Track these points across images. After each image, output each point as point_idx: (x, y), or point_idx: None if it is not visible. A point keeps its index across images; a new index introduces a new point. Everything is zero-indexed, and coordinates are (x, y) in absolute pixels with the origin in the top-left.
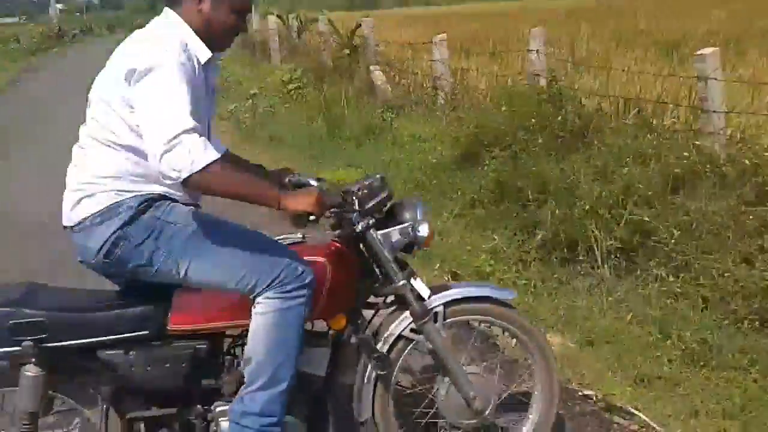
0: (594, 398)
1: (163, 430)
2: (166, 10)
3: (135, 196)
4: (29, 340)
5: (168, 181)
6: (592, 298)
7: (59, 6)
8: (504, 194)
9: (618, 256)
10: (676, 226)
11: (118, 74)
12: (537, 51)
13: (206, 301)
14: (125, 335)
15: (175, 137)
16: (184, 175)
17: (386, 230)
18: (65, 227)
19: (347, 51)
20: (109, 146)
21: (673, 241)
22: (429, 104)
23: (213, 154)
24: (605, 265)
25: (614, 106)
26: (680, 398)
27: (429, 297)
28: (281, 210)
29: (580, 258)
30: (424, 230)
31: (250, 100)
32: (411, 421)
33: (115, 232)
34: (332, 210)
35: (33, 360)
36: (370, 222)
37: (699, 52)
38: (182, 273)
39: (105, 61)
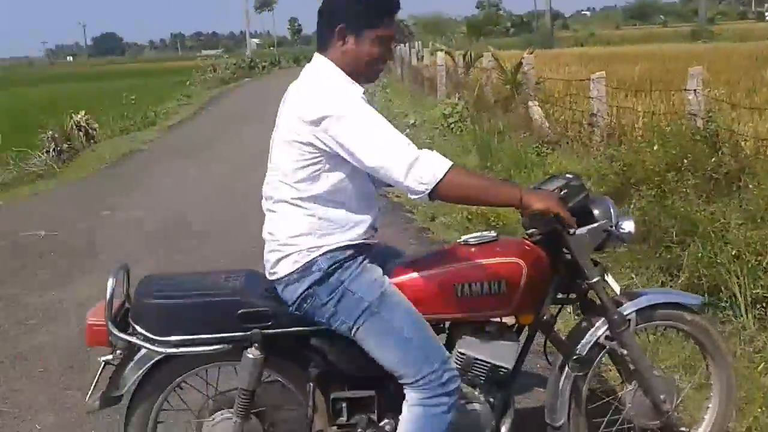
0: None
1: (361, 411)
2: (316, 55)
3: (325, 253)
4: (256, 327)
5: (415, 197)
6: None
7: (255, 41)
8: (648, 234)
9: (764, 305)
10: None
11: (301, 116)
12: (695, 91)
13: (409, 295)
14: None
15: (414, 158)
16: (431, 186)
17: (584, 228)
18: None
19: (509, 86)
20: (295, 205)
21: None
22: (584, 141)
23: (448, 162)
24: (748, 314)
25: None
26: None
27: (622, 302)
28: (522, 208)
29: (722, 305)
30: (629, 226)
31: (408, 130)
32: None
33: (306, 290)
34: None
35: (255, 344)
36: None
37: None
38: (353, 337)
39: (283, 89)
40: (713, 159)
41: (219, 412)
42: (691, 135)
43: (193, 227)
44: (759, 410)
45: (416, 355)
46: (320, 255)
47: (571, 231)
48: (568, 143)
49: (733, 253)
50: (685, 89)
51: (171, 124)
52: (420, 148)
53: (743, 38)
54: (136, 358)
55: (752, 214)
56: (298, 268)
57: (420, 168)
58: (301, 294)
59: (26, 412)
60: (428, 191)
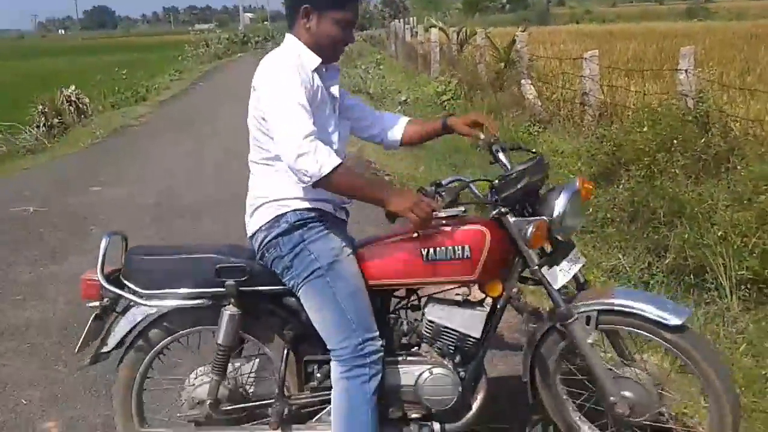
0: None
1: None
2: (286, 34)
3: (295, 210)
4: (232, 281)
5: (302, 184)
6: (710, 326)
7: (249, 15)
8: (636, 214)
9: (749, 287)
10: None
11: (252, 84)
12: (686, 71)
13: (379, 261)
14: None
15: (305, 151)
16: (314, 180)
17: (520, 219)
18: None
19: (502, 64)
20: (266, 165)
21: None
22: (576, 120)
23: (335, 162)
24: (733, 296)
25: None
26: None
27: (581, 298)
28: (384, 207)
29: (708, 285)
30: (571, 222)
31: (400, 107)
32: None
33: (272, 239)
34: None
35: (232, 300)
36: (502, 210)
37: None
38: (298, 295)
39: None
40: (703, 140)
41: (197, 372)
42: (682, 115)
43: (184, 203)
44: (739, 390)
45: (345, 325)
46: (290, 210)
47: (491, 214)
48: (560, 122)
49: (719, 234)
50: (677, 69)
51: (163, 100)
52: None
53: (740, 16)
54: (124, 317)
55: (739, 196)
56: (269, 220)
57: (308, 161)
58: (267, 242)
59: (13, 386)
60: (311, 182)
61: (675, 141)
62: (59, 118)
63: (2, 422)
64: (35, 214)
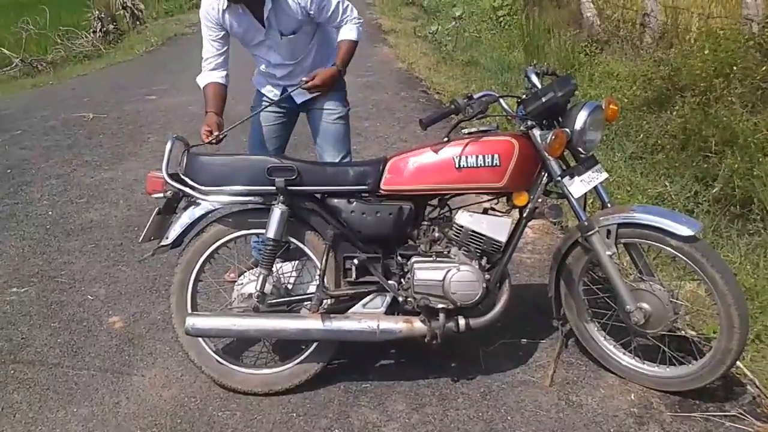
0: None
1: (369, 272)
2: None
3: None
4: (282, 179)
5: None
6: (751, 256)
7: None
8: (688, 142)
9: None
10: None
11: None
12: None
13: (414, 168)
14: (350, 187)
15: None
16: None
17: (545, 132)
18: None
19: None
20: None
21: None
22: (635, 42)
23: (203, 82)
24: None
25: None
26: None
27: (603, 214)
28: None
29: (753, 216)
30: (593, 136)
31: (454, 22)
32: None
33: None
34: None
35: (281, 198)
36: (529, 123)
37: None
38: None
39: None
40: (764, 68)
41: (246, 274)
42: (744, 41)
43: (238, 112)
44: None
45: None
46: None
47: (518, 127)
48: (617, 43)
49: None
50: None
51: None
52: (465, 42)
53: None
54: (185, 212)
55: None
56: None
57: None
58: None
59: (80, 283)
60: None
61: (734, 67)
62: (114, 24)
63: (72, 314)
64: (94, 120)
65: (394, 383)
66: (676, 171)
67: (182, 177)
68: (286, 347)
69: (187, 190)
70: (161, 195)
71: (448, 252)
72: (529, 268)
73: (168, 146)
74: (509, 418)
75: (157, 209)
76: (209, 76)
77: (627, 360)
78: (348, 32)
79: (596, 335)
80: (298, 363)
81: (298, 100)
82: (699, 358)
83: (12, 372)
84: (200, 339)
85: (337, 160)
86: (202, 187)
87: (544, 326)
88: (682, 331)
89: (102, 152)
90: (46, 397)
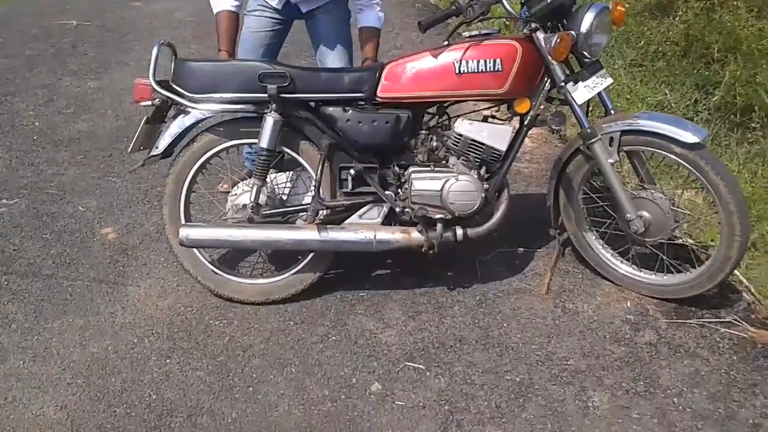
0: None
1: (364, 182)
2: None
3: None
4: (274, 86)
5: None
6: (749, 165)
7: None
8: (690, 49)
9: None
10: None
11: None
12: None
13: (412, 74)
14: (345, 95)
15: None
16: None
17: (549, 35)
18: None
19: None
20: None
21: None
22: None
23: (216, 8)
24: None
25: None
26: None
27: (606, 121)
28: None
29: (753, 125)
30: (599, 39)
31: None
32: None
33: None
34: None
35: (274, 106)
36: (533, 25)
37: None
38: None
39: None
40: None
41: (240, 185)
42: None
43: None
44: None
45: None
46: None
47: (522, 30)
48: None
49: None
50: None
51: None
52: None
53: None
54: (174, 121)
55: None
56: None
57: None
58: None
59: (71, 195)
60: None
61: None
62: None
63: (64, 226)
64: (78, 27)
65: (391, 292)
66: (677, 79)
67: (170, 84)
68: (282, 257)
69: (176, 97)
70: (149, 103)
71: (447, 161)
72: (527, 177)
73: (154, 52)
74: (505, 324)
75: (145, 118)
76: (223, 2)
77: (624, 268)
78: (372, 19)
79: (594, 244)
80: (294, 273)
81: (304, 9)
82: (697, 266)
83: (5, 283)
84: (195, 249)
85: None
86: (192, 95)
87: (540, 235)
88: (681, 240)
89: (87, 61)
90: (41, 308)
